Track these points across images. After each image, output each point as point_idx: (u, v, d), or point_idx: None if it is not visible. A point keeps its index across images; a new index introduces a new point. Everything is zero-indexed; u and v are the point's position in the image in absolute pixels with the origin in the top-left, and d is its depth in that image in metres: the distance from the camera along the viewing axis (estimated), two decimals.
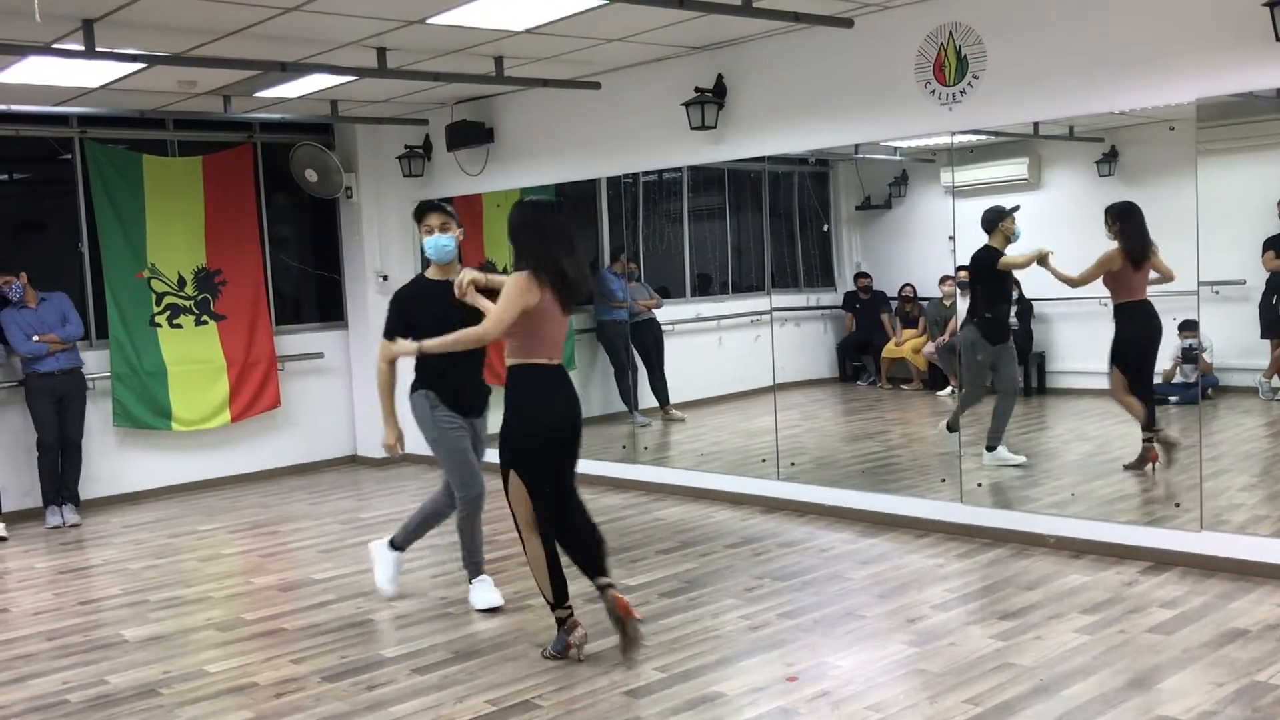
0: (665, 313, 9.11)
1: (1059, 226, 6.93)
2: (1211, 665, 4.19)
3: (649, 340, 9.00)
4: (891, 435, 8.54)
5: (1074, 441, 7.19)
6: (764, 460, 7.43)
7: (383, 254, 9.67)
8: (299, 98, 7.81)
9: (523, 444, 4.50)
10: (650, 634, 4.82)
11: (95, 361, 8.33)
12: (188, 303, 8.91)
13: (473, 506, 5.25)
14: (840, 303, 9.02)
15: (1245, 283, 6.59)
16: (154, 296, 8.73)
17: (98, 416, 8.32)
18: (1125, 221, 6.32)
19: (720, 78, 7.14)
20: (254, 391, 9.15)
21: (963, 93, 6.06)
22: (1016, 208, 6.65)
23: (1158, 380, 7.12)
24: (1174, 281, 6.10)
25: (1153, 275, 6.32)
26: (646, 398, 8.94)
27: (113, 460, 8.58)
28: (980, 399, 6.98)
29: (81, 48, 5.67)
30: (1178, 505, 5.74)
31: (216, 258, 9.03)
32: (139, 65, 6.27)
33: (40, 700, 4.45)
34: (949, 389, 8.37)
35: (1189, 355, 6.94)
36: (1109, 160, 6.92)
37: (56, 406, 7.82)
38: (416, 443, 5.42)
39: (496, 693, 4.25)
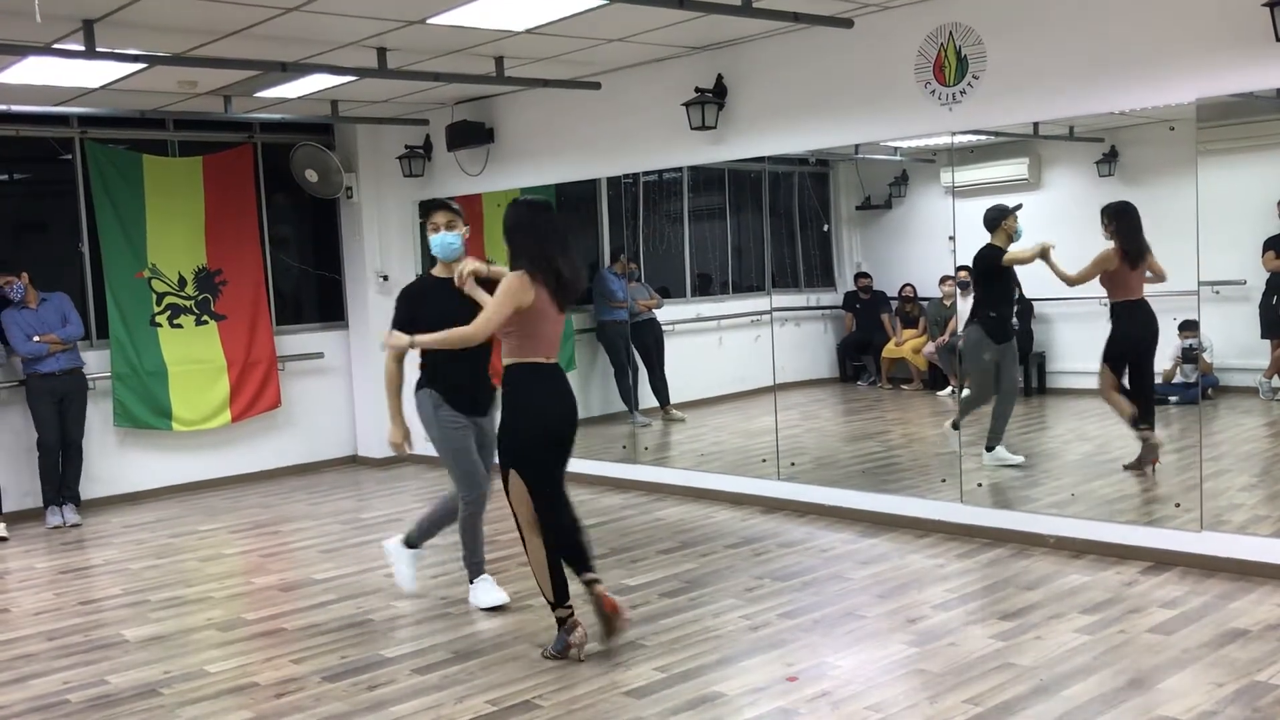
0: (665, 313, 9.11)
1: (1059, 226, 6.92)
2: (1211, 665, 4.19)
3: (649, 340, 9.00)
4: (892, 435, 8.54)
5: (1074, 441, 7.19)
6: (764, 460, 7.43)
7: (383, 254, 9.67)
8: (299, 98, 7.82)
9: (525, 444, 4.54)
10: (650, 634, 4.83)
11: (96, 361, 8.34)
12: (188, 303, 8.91)
13: (475, 507, 5.26)
14: (840, 303, 9.02)
15: (1245, 283, 6.59)
16: (154, 296, 8.73)
17: (98, 416, 8.32)
18: (1121, 221, 6.33)
19: (720, 78, 7.15)
20: (254, 391, 9.15)
21: (963, 93, 6.06)
22: (1019, 206, 6.65)
23: (1158, 380, 7.12)
24: (1167, 281, 6.11)
25: (1146, 274, 6.33)
26: (647, 398, 8.94)
27: (113, 460, 8.58)
28: (988, 399, 6.98)
29: (82, 48, 5.67)
30: (1178, 505, 5.75)
31: (217, 258, 9.03)
32: (139, 65, 6.28)
33: (41, 700, 4.45)
34: (949, 389, 8.37)
35: (1189, 355, 6.94)
36: (1109, 160, 6.92)
37: (57, 407, 7.82)
38: (425, 442, 5.42)
39: (497, 693, 4.25)
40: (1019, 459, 6.86)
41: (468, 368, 5.07)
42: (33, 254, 8.35)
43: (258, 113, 8.41)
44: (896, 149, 7.83)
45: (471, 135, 8.57)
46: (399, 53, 6.65)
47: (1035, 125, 6.33)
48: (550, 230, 4.51)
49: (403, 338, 4.70)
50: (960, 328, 7.71)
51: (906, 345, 8.73)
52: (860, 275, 8.91)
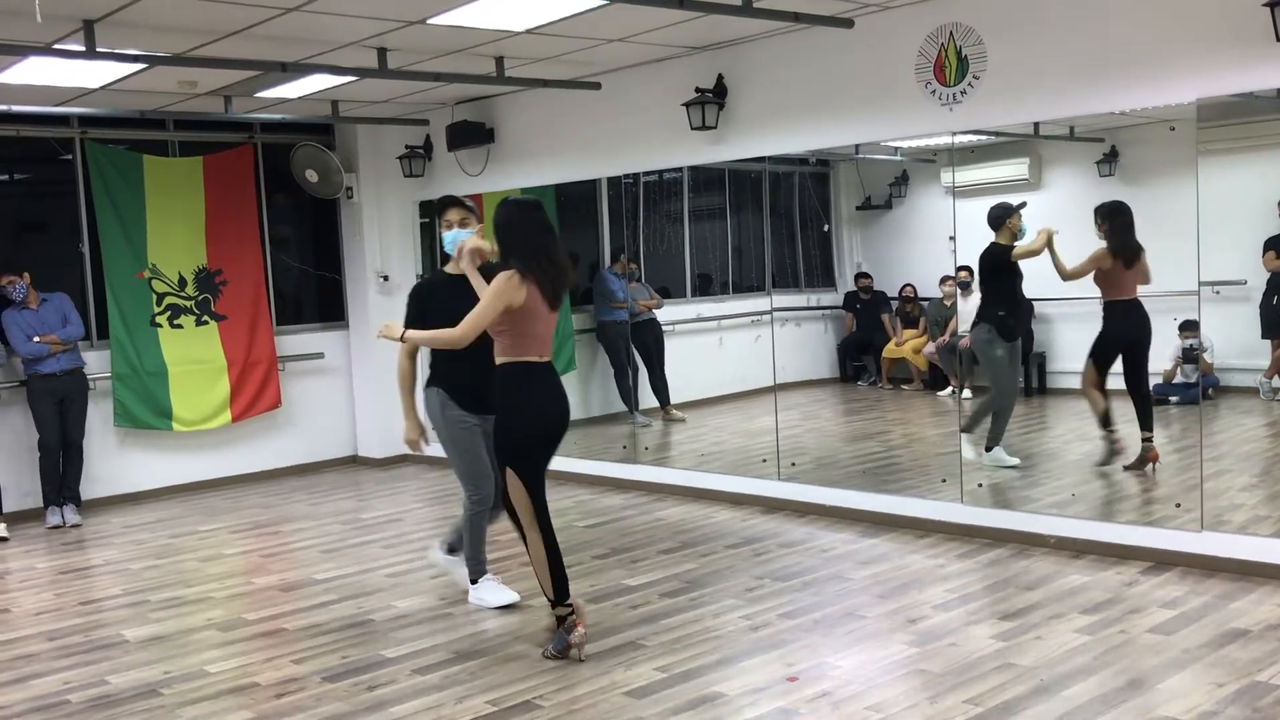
0: (666, 313, 9.11)
1: (1060, 227, 6.90)
2: (1212, 665, 4.19)
3: (649, 340, 9.00)
4: (892, 436, 8.54)
5: (1074, 442, 7.18)
6: (764, 460, 7.43)
7: (383, 254, 9.67)
8: (299, 98, 7.82)
9: (523, 442, 4.56)
10: (651, 634, 4.83)
11: (96, 362, 8.34)
12: (188, 303, 8.91)
13: (480, 506, 5.25)
14: (841, 303, 9.01)
15: (1246, 283, 6.59)
16: (155, 297, 8.73)
17: (98, 417, 8.32)
18: (1114, 221, 6.34)
19: (721, 78, 7.15)
20: (255, 392, 9.15)
21: (963, 93, 6.06)
22: (1023, 204, 6.65)
23: (1158, 381, 7.12)
24: (1168, 282, 6.10)
25: None
26: (647, 398, 8.94)
27: (113, 460, 8.58)
28: (1014, 397, 6.94)
29: (82, 48, 5.67)
30: (1178, 505, 5.74)
31: (217, 258, 9.03)
32: (140, 66, 6.28)
33: (41, 700, 4.45)
34: (949, 389, 8.37)
35: (1190, 355, 6.94)
36: (1109, 160, 6.92)
37: (58, 407, 7.83)
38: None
39: (497, 693, 4.25)
40: (1015, 461, 6.85)
41: (468, 367, 5.06)
42: (33, 254, 8.35)
43: (258, 113, 8.41)
44: (897, 149, 7.83)
45: (472, 135, 8.57)
46: (399, 53, 6.65)
47: (1035, 125, 6.33)
48: (540, 229, 4.54)
49: (394, 329, 4.71)
50: (960, 328, 7.72)
51: (907, 345, 8.73)
52: (860, 275, 8.90)
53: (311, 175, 9.31)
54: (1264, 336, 6.75)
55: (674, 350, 9.07)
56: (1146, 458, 6.39)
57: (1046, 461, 7.23)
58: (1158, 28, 5.34)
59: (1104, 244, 6.34)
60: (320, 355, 9.64)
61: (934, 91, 6.18)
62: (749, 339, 8.48)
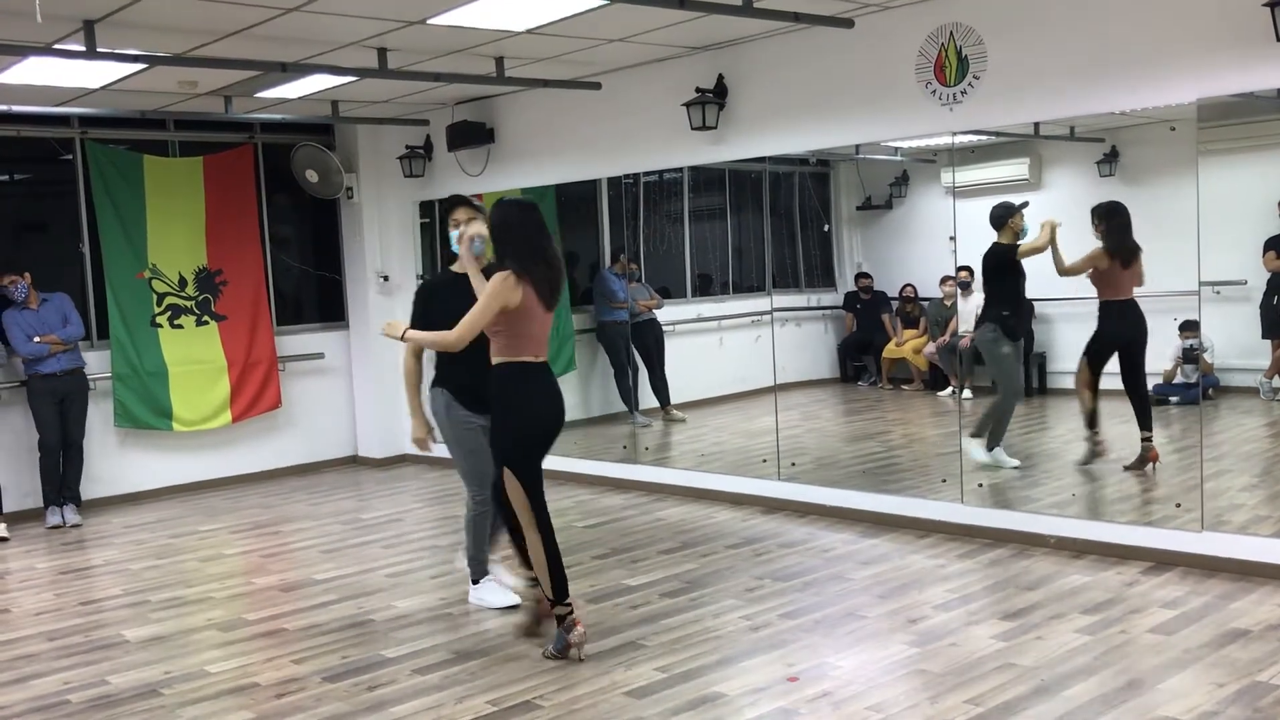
0: (666, 313, 9.11)
1: (1060, 226, 6.91)
2: (1212, 665, 4.19)
3: (649, 340, 9.00)
4: (892, 436, 8.54)
5: (1074, 442, 7.17)
6: (765, 461, 7.43)
7: (383, 254, 9.67)
8: (300, 98, 7.82)
9: (522, 442, 4.59)
10: (651, 634, 4.83)
11: (96, 362, 8.34)
12: (189, 303, 8.91)
13: (484, 507, 5.25)
14: (841, 303, 9.01)
15: (1246, 283, 6.59)
16: (155, 297, 8.73)
17: (99, 417, 8.32)
18: (1111, 222, 6.35)
19: (721, 78, 7.15)
20: (255, 392, 9.15)
21: (963, 93, 6.06)
22: (1025, 204, 6.64)
23: (1159, 381, 7.12)
24: (1169, 282, 6.10)
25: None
26: (647, 398, 8.94)
27: (114, 461, 8.58)
28: (1018, 398, 6.93)
29: (82, 48, 5.67)
30: (1179, 505, 5.74)
31: (217, 258, 9.03)
32: (140, 66, 6.28)
33: (41, 700, 4.45)
34: (949, 389, 8.37)
35: (1190, 355, 6.94)
36: (1110, 160, 6.92)
37: (59, 407, 7.83)
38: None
39: (497, 693, 4.25)
40: (1015, 462, 6.84)
41: (465, 369, 5.06)
42: (33, 254, 8.35)
43: (258, 113, 8.41)
44: (897, 149, 7.83)
45: (472, 135, 8.57)
46: (399, 53, 6.65)
47: (1036, 125, 6.33)
48: (537, 229, 4.55)
49: (397, 328, 4.73)
50: (960, 328, 7.71)
51: (907, 345, 8.73)
52: (861, 275, 8.90)
53: (312, 175, 9.31)
54: (1264, 336, 6.75)
55: (674, 350, 9.07)
56: (1146, 458, 6.39)
57: (1047, 461, 7.23)
58: (1158, 28, 5.34)
59: (1101, 244, 6.35)
60: (320, 355, 9.64)
61: (934, 91, 6.18)
62: (749, 339, 8.48)
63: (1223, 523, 5.46)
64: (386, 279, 9.64)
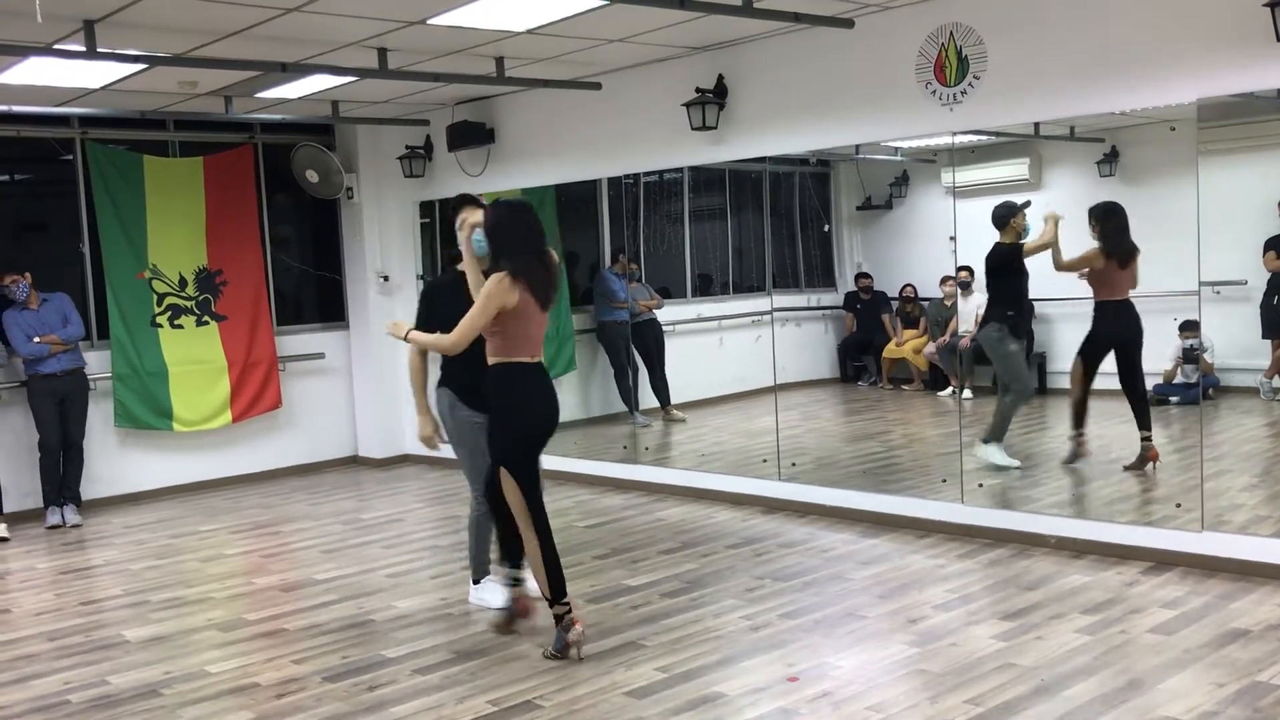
0: (666, 313, 9.11)
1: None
2: (1212, 665, 4.19)
3: (650, 341, 9.00)
4: (893, 436, 8.54)
5: None
6: (765, 461, 7.43)
7: (384, 254, 9.68)
8: (300, 98, 7.82)
9: (522, 443, 4.62)
10: (651, 634, 4.83)
11: (96, 362, 8.34)
12: (189, 303, 8.91)
13: (487, 507, 5.24)
14: (841, 303, 9.02)
15: (1246, 283, 6.59)
16: (155, 297, 8.73)
17: (99, 417, 8.32)
18: (1107, 223, 6.35)
19: (721, 78, 7.15)
20: (255, 392, 9.15)
21: (963, 93, 6.06)
22: (1028, 203, 6.64)
23: (1159, 381, 7.12)
24: (1169, 281, 6.10)
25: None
26: (647, 398, 8.94)
27: (114, 461, 8.58)
28: (1029, 395, 6.92)
29: (83, 48, 5.67)
30: (1179, 506, 5.74)
31: (217, 258, 9.03)
32: (140, 66, 6.28)
33: (42, 701, 4.45)
34: (950, 389, 8.38)
35: (1190, 355, 6.94)
36: (1110, 160, 6.92)
37: (59, 407, 7.83)
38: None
39: (498, 693, 4.25)
40: (1015, 463, 6.82)
41: (468, 369, 5.06)
42: (33, 254, 8.35)
43: (258, 113, 8.41)
44: (897, 149, 7.83)
45: (472, 135, 8.57)
46: (399, 53, 6.65)
47: (1036, 125, 6.33)
48: (531, 231, 4.58)
49: (400, 328, 4.76)
50: (960, 328, 7.72)
51: (907, 345, 8.73)
52: (861, 275, 8.91)
53: (312, 175, 9.32)
54: (1264, 336, 6.75)
55: (674, 350, 9.07)
56: (1146, 457, 6.39)
57: (1047, 461, 7.23)
58: (1158, 28, 5.34)
59: (1097, 244, 6.36)
60: (321, 355, 9.64)
61: (934, 91, 6.18)
62: (749, 339, 8.48)
63: (1223, 523, 5.46)
64: (387, 279, 9.64)
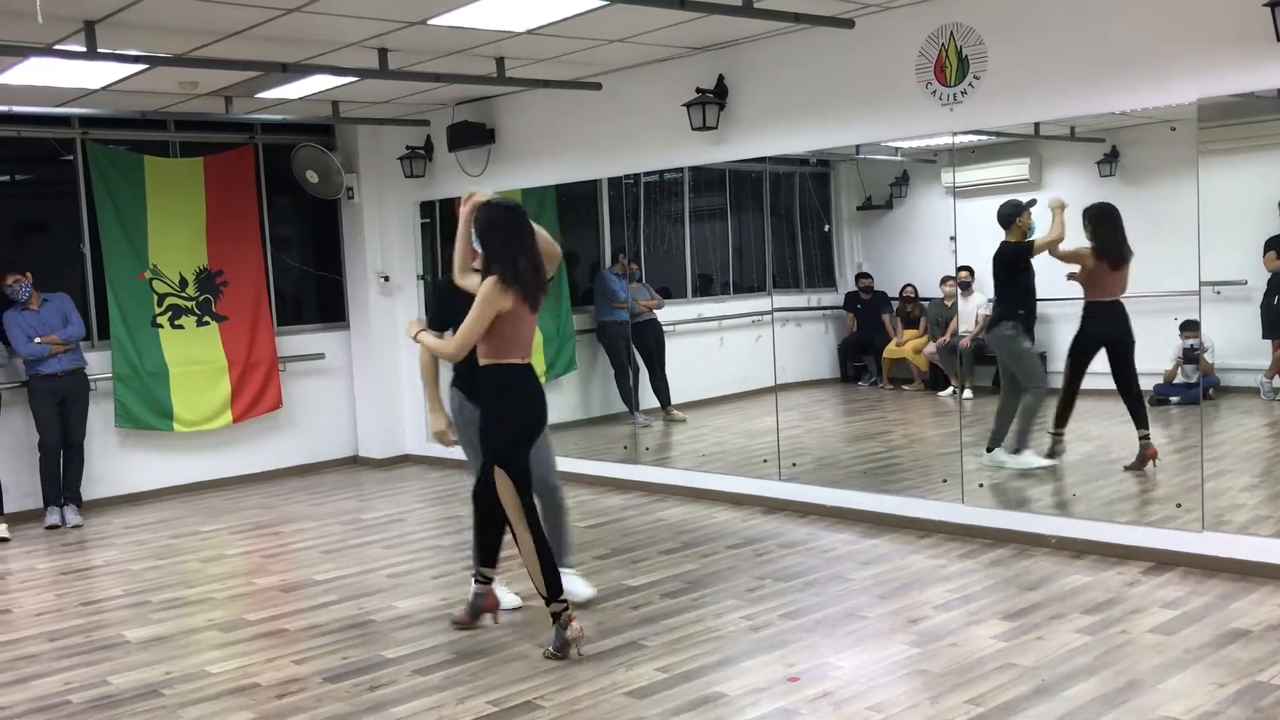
0: (666, 313, 9.12)
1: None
2: (1213, 666, 4.19)
3: (650, 341, 9.01)
4: (893, 436, 8.54)
5: (1075, 442, 7.17)
6: (765, 461, 7.43)
7: (384, 255, 9.68)
8: (300, 99, 7.82)
9: (513, 442, 4.66)
10: (652, 634, 4.83)
11: (97, 362, 8.34)
12: (189, 303, 8.91)
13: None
14: (841, 303, 9.02)
15: (1246, 283, 6.59)
16: (155, 297, 8.74)
17: (99, 417, 8.32)
18: (1099, 225, 6.36)
19: (721, 78, 7.15)
20: (255, 392, 9.15)
21: (964, 93, 6.06)
22: (1033, 202, 6.63)
23: (1159, 381, 7.13)
24: (1169, 281, 6.11)
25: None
26: (648, 398, 8.94)
27: (114, 461, 8.58)
28: (1047, 386, 6.90)
29: (83, 49, 5.67)
30: (1179, 506, 5.74)
31: (218, 258, 9.03)
32: (141, 66, 6.28)
33: (42, 701, 4.45)
34: (950, 390, 8.38)
35: (1190, 355, 6.94)
36: (1110, 160, 6.92)
37: (59, 408, 7.83)
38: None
39: (498, 693, 4.25)
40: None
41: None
42: (34, 255, 8.35)
43: (259, 113, 8.41)
44: (897, 149, 7.84)
45: (472, 136, 8.57)
46: (400, 53, 6.65)
47: (1036, 125, 6.33)
48: (523, 232, 4.60)
49: (412, 329, 4.82)
50: (960, 328, 7.72)
51: (908, 346, 8.74)
52: (861, 275, 8.91)
53: (312, 176, 9.32)
54: (1264, 336, 6.75)
55: (675, 350, 9.07)
56: (1145, 456, 6.39)
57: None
58: (1158, 28, 5.34)
59: (1090, 244, 6.37)
60: (321, 356, 9.64)
61: (934, 92, 6.18)
62: (750, 339, 8.48)
63: (1223, 523, 5.46)
64: (387, 279, 9.65)
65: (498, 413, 4.65)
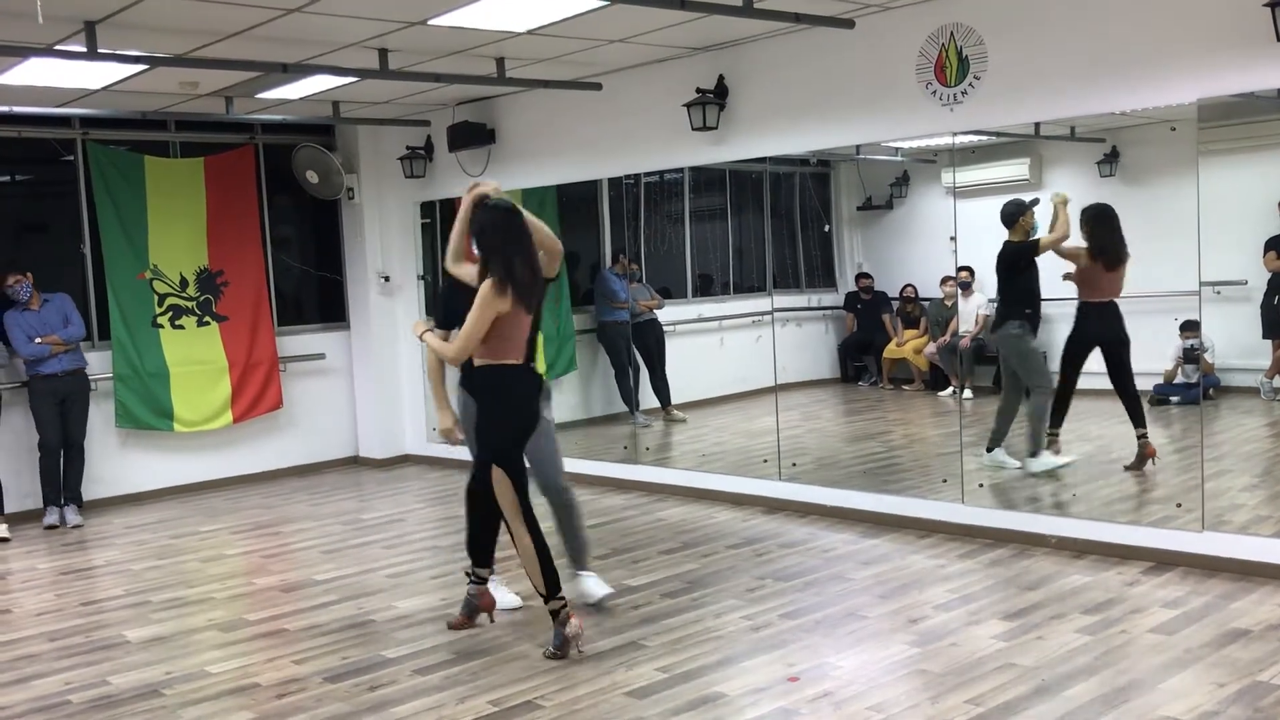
0: (667, 313, 9.12)
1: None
2: (1213, 665, 4.19)
3: (650, 341, 9.01)
4: (893, 436, 8.54)
5: (1075, 442, 7.17)
6: (766, 461, 7.43)
7: (384, 255, 9.68)
8: (301, 99, 7.82)
9: (509, 441, 4.69)
10: (652, 634, 4.83)
11: (97, 362, 8.34)
12: (190, 304, 8.92)
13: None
14: (841, 303, 9.02)
15: (1247, 283, 6.59)
16: (156, 297, 8.74)
17: (100, 417, 8.33)
18: (1095, 226, 6.35)
19: (721, 78, 7.15)
20: (256, 392, 9.15)
21: (964, 93, 6.06)
22: (1035, 201, 6.62)
23: (1160, 381, 7.13)
24: (1169, 282, 6.11)
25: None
26: (648, 398, 8.95)
27: (115, 461, 8.58)
28: (1052, 385, 6.91)
29: (84, 49, 5.67)
30: (1179, 506, 5.74)
31: (218, 259, 9.03)
32: (141, 67, 6.29)
33: (42, 701, 4.45)
34: (950, 390, 8.38)
35: (1190, 355, 6.94)
36: (1110, 161, 6.92)
37: (60, 408, 7.83)
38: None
39: (499, 693, 4.25)
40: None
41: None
42: (34, 255, 8.35)
43: (259, 114, 8.41)
44: (897, 149, 7.84)
45: (473, 136, 8.58)
46: (400, 54, 6.66)
47: (1036, 125, 6.33)
48: (519, 233, 4.60)
49: (419, 328, 4.84)
50: (961, 328, 7.72)
51: (908, 346, 8.74)
52: (861, 276, 8.91)
53: (312, 176, 9.32)
54: (1265, 336, 6.75)
55: (675, 350, 9.07)
56: (1144, 454, 6.39)
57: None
58: (1158, 28, 5.34)
59: (1085, 245, 6.38)
60: (321, 356, 9.64)
61: (934, 92, 6.18)
62: (750, 339, 8.48)
63: (1223, 523, 5.46)
64: (387, 280, 9.65)
65: (496, 413, 4.67)
